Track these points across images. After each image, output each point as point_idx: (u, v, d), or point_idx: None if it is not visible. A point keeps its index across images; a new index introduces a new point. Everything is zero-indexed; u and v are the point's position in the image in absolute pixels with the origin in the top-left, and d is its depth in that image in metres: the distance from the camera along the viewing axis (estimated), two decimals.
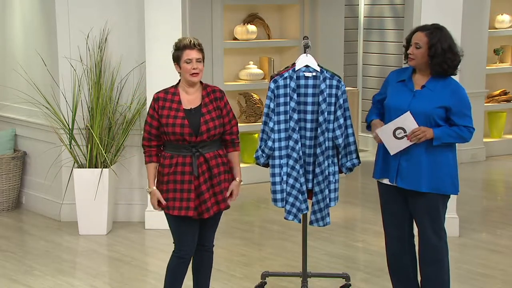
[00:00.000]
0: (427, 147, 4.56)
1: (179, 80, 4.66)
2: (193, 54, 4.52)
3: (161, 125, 4.56)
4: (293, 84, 4.94)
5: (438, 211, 4.63)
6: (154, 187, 4.60)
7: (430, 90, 4.57)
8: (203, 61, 4.59)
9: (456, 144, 4.69)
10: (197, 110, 4.57)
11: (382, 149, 4.75)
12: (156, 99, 4.59)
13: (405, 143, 4.56)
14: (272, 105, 4.94)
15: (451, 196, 4.71)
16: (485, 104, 9.88)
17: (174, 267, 4.68)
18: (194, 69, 4.53)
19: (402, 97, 4.62)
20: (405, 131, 4.53)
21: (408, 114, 4.52)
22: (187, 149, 4.54)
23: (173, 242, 4.69)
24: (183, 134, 4.51)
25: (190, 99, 4.60)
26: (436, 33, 4.54)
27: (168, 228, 4.73)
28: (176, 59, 4.57)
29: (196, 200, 4.55)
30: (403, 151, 4.60)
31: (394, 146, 4.60)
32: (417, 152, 4.57)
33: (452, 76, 4.64)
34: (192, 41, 4.54)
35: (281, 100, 4.95)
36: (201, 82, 4.66)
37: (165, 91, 4.62)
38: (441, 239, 4.66)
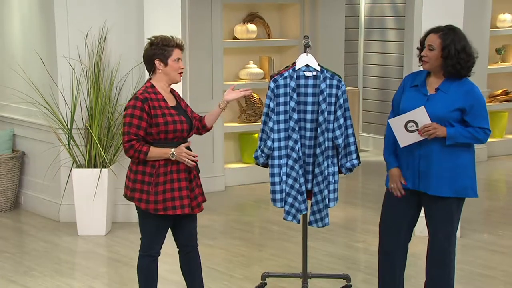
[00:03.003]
0: (446, 149, 4.53)
1: (149, 79, 4.62)
2: (180, 54, 4.58)
3: (153, 125, 4.49)
4: (293, 84, 4.94)
5: (452, 214, 4.61)
6: (172, 149, 4.50)
7: (444, 92, 4.54)
8: None
9: (475, 145, 4.67)
10: (179, 107, 4.63)
11: (403, 158, 4.70)
12: (144, 99, 4.48)
13: (415, 137, 4.55)
14: (272, 105, 4.95)
15: None
16: (487, 104, 9.86)
17: (147, 267, 4.67)
18: (182, 68, 4.58)
19: (415, 101, 4.58)
20: (417, 125, 4.53)
21: (422, 109, 4.49)
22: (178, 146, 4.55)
23: (141, 239, 4.66)
24: (182, 130, 4.54)
25: (169, 97, 4.64)
26: (449, 34, 4.52)
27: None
28: (163, 56, 4.53)
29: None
30: (421, 155, 4.58)
31: (405, 139, 4.59)
32: (436, 155, 4.55)
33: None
34: (182, 41, 4.60)
35: (281, 99, 4.95)
36: None
37: (146, 91, 4.54)
38: (451, 243, 4.64)
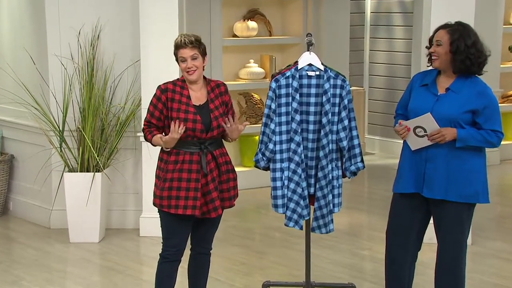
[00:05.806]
0: (455, 152, 4.54)
1: None
2: (186, 52, 4.60)
3: (169, 118, 4.61)
4: (295, 84, 4.95)
5: (462, 221, 4.62)
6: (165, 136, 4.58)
7: (455, 92, 4.55)
8: (202, 56, 4.65)
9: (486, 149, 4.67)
10: (205, 106, 4.67)
11: (407, 160, 4.72)
12: (164, 89, 4.65)
13: (426, 142, 4.57)
14: (273, 106, 4.96)
15: None
16: (499, 105, 9.85)
17: (158, 267, 4.74)
18: (189, 68, 4.61)
19: (425, 101, 4.61)
20: (425, 130, 4.55)
21: (428, 115, 4.52)
22: (196, 146, 4.61)
23: (162, 242, 4.74)
24: (195, 130, 4.59)
25: (197, 95, 4.69)
26: (458, 29, 4.55)
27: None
28: (175, 57, 4.68)
29: (202, 199, 4.62)
30: (428, 157, 4.59)
31: (415, 143, 4.62)
32: (445, 158, 4.56)
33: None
34: (183, 40, 4.60)
35: (283, 100, 4.96)
36: (204, 77, 4.75)
37: (173, 83, 4.70)
38: (461, 251, 4.65)
